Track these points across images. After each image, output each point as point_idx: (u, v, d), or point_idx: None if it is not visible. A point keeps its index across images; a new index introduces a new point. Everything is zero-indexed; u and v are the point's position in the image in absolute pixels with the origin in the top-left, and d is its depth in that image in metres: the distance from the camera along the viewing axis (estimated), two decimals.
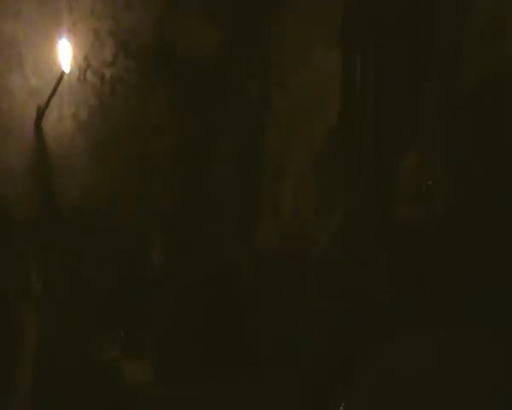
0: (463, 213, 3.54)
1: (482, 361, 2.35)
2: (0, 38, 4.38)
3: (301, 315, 3.97)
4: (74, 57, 4.53)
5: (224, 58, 4.94)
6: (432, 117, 4.00)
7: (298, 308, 4.09)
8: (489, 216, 3.41)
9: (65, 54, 4.45)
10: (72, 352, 4.20)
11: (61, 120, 4.56)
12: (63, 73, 4.42)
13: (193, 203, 4.84)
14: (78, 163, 4.59)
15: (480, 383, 2.25)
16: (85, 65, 4.65)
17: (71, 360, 4.18)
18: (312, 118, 4.69)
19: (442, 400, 2.28)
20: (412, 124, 4.14)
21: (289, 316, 4.08)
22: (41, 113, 4.46)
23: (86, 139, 4.62)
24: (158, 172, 4.80)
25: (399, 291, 3.40)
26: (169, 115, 4.85)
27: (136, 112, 4.78)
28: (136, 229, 4.64)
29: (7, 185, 4.35)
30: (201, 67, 4.90)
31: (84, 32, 4.64)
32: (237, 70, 4.97)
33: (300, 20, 4.80)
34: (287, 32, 4.84)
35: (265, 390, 2.66)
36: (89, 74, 4.66)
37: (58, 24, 4.53)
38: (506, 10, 3.46)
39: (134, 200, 4.70)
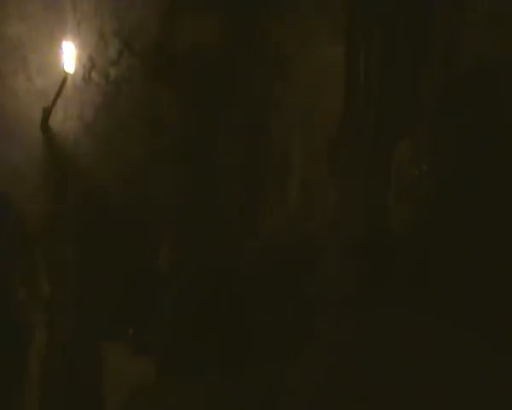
0: (459, 207, 3.54)
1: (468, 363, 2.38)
2: (5, 40, 4.43)
3: (304, 314, 4.00)
4: (79, 57, 4.57)
5: (228, 55, 4.94)
6: (432, 106, 3.99)
7: (301, 306, 4.11)
8: (486, 210, 3.42)
9: (69, 55, 4.48)
10: (82, 350, 4.26)
11: (67, 121, 4.60)
12: (67, 74, 4.46)
13: (198, 201, 4.86)
14: (84, 162, 4.63)
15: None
16: (90, 65, 4.68)
17: (80, 358, 4.24)
18: (316, 110, 4.70)
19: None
20: (415, 113, 4.14)
21: (292, 315, 4.11)
22: (47, 114, 4.50)
23: (92, 139, 4.66)
24: (164, 170, 4.82)
25: (391, 290, 3.43)
26: (174, 113, 4.87)
27: (141, 110, 4.80)
28: (143, 228, 4.68)
29: (13, 186, 4.39)
30: (206, 64, 4.91)
31: (89, 32, 4.67)
32: (241, 66, 4.96)
33: (304, 12, 4.79)
34: (290, 27, 4.83)
35: (265, 390, 2.69)
36: (93, 74, 4.70)
37: (62, 25, 4.57)
38: (505, 10, 3.46)
39: (140, 198, 4.73)
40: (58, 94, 4.48)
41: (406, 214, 3.83)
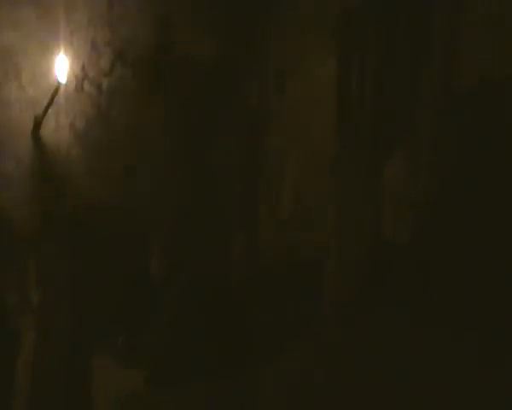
0: (457, 222, 3.53)
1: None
2: None
3: (301, 320, 3.97)
4: (71, 67, 4.55)
5: (222, 67, 4.96)
6: (429, 121, 4.00)
7: (298, 312, 4.09)
8: (484, 223, 3.40)
9: (61, 65, 4.46)
10: (72, 359, 4.21)
11: (58, 130, 4.57)
12: (60, 83, 4.43)
13: (192, 211, 4.85)
14: (76, 172, 4.60)
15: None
16: (82, 75, 4.66)
17: (70, 368, 4.19)
18: (311, 123, 4.71)
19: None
20: (409, 128, 4.14)
21: (289, 321, 4.08)
22: (38, 123, 4.47)
23: (83, 149, 4.63)
24: (156, 180, 4.80)
25: (385, 302, 3.41)
26: (167, 124, 4.86)
27: (134, 121, 4.79)
28: (134, 237, 4.64)
29: (4, 194, 4.36)
30: (199, 75, 4.91)
31: (81, 42, 4.65)
32: (236, 78, 4.98)
33: (299, 27, 4.83)
34: (285, 39, 4.86)
35: (265, 395, 2.66)
36: (86, 84, 4.67)
37: (55, 34, 4.55)
38: (505, 10, 3.47)
39: (132, 209, 4.70)
40: (50, 103, 4.45)
41: (403, 224, 3.81)
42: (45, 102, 4.44)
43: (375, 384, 2.54)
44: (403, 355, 2.85)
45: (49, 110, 4.47)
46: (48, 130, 4.53)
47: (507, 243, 3.19)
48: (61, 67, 4.47)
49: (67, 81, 4.51)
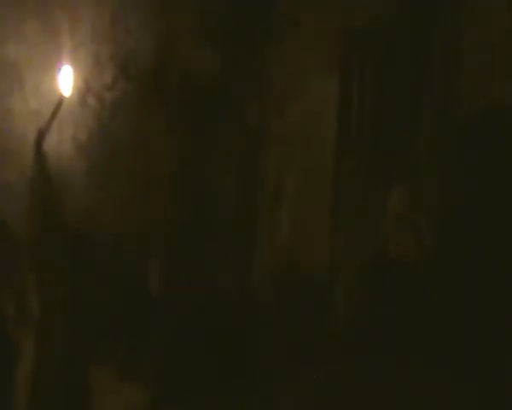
0: (454, 248, 3.56)
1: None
2: (1, 61, 4.41)
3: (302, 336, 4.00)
4: (74, 81, 4.57)
5: (223, 83, 5.01)
6: (427, 146, 4.04)
7: (294, 331, 4.11)
8: (481, 250, 3.44)
9: (65, 78, 4.50)
10: (71, 374, 4.21)
11: (61, 143, 4.59)
12: (63, 97, 4.47)
13: (192, 228, 4.88)
14: (78, 185, 4.62)
15: None
16: (85, 88, 4.69)
17: (69, 381, 4.19)
18: (310, 144, 4.76)
19: None
20: (408, 151, 4.18)
21: (288, 338, 4.11)
22: (41, 135, 4.49)
23: (86, 162, 4.66)
24: (157, 195, 4.83)
25: (384, 322, 3.44)
26: (168, 139, 4.90)
27: (136, 135, 4.82)
28: (135, 252, 4.66)
29: (6, 207, 4.37)
30: (201, 92, 4.96)
31: (85, 55, 4.69)
32: (236, 95, 5.03)
33: (299, 47, 4.88)
34: (286, 59, 4.91)
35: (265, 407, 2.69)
36: (89, 98, 4.70)
37: (59, 48, 4.57)
38: (503, 42, 3.52)
39: (133, 223, 4.73)
40: (53, 116, 4.48)
41: (404, 241, 3.85)
42: (48, 115, 4.46)
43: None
44: (404, 368, 2.88)
45: (53, 123, 4.49)
46: (51, 143, 4.55)
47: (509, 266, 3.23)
48: (65, 80, 4.50)
49: (71, 94, 4.54)
